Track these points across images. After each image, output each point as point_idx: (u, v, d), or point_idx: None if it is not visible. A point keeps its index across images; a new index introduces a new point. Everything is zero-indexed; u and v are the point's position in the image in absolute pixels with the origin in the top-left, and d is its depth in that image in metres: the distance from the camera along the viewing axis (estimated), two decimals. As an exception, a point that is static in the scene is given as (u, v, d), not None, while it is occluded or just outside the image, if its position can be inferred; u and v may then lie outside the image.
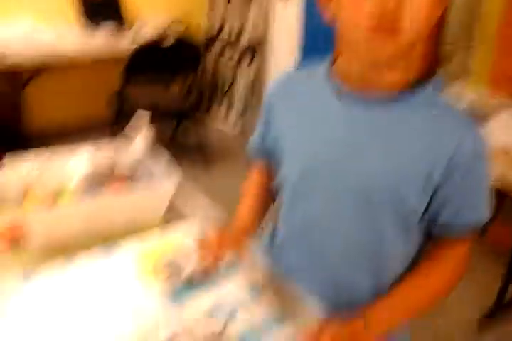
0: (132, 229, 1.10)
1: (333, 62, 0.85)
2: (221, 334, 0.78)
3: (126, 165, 1.19)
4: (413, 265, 0.90)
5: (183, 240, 1.02)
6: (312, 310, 0.86)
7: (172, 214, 1.16)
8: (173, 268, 0.91)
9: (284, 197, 0.94)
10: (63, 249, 1.04)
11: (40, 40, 2.84)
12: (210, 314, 0.83)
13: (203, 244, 0.91)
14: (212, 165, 3.12)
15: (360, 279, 0.89)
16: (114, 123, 2.87)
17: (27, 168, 1.12)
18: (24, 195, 1.12)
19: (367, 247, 0.86)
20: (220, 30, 3.61)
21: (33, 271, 0.93)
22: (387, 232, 0.84)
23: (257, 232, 1.01)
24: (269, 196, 1.05)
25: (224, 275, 0.93)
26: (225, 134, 3.63)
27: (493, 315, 1.98)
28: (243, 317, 0.82)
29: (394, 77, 0.78)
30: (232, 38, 3.51)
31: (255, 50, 3.37)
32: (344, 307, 0.85)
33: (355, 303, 0.85)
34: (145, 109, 2.73)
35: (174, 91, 3.35)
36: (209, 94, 3.83)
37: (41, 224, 1.04)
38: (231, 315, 0.82)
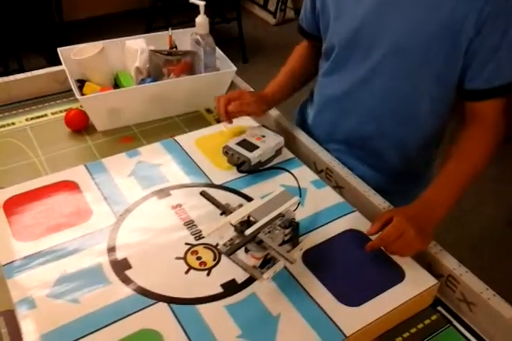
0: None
1: None
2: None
3: (184, 53, 1.20)
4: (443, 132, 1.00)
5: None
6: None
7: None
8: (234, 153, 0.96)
9: (327, 65, 1.01)
10: (128, 133, 1.11)
11: None
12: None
13: (220, 97, 0.99)
14: (251, 58, 3.06)
15: (386, 147, 0.99)
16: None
17: (84, 57, 1.15)
18: (82, 83, 1.16)
19: (400, 104, 0.94)
20: None
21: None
22: (421, 88, 0.90)
23: (279, 102, 1.10)
24: (305, 72, 1.11)
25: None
26: (264, 23, 3.51)
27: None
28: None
29: None
30: None
31: None
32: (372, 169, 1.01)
33: (381, 166, 0.99)
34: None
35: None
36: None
37: (104, 107, 1.09)
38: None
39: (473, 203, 2.08)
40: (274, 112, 1.14)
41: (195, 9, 1.16)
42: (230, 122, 1.01)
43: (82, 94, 1.12)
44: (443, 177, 0.86)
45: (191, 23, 1.18)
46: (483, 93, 0.87)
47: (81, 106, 1.13)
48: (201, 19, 1.16)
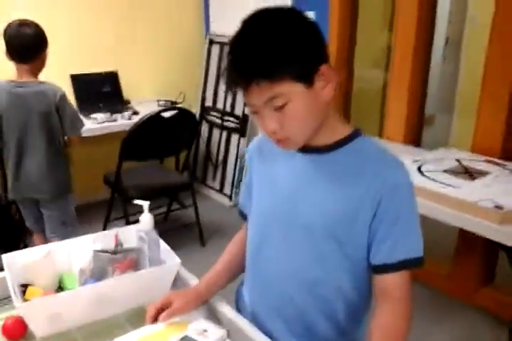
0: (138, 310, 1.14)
1: None
2: None
3: (129, 250, 1.25)
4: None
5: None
6: None
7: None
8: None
9: (248, 253, 1.10)
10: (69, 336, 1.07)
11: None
12: None
13: (150, 306, 1.08)
14: (209, 240, 3.15)
15: (314, 316, 1.02)
16: (111, 202, 2.95)
17: (29, 261, 1.17)
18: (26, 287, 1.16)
19: (316, 283, 0.99)
20: (215, 100, 3.79)
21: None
22: (333, 269, 0.98)
23: (213, 295, 1.16)
24: (242, 261, 1.16)
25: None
26: (221, 206, 3.70)
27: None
28: None
29: (323, 138, 0.96)
30: (227, 108, 3.68)
31: (247, 120, 3.52)
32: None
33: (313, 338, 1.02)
34: (141, 188, 2.89)
35: (169, 166, 3.44)
36: (204, 165, 3.95)
37: (43, 313, 1.07)
38: None
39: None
40: (215, 301, 1.15)
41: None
42: None
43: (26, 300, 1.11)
44: None
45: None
46: (384, 267, 0.95)
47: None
48: (145, 217, 1.24)
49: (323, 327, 1.03)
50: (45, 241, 2.46)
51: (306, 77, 0.87)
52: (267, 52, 0.84)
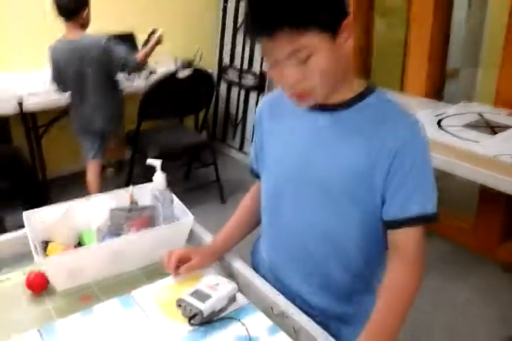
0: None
1: None
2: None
3: (143, 208, 1.27)
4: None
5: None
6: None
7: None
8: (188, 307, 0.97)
9: (264, 208, 1.11)
10: (87, 291, 1.12)
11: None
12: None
13: (170, 255, 1.10)
14: (229, 198, 3.19)
15: (332, 267, 1.03)
16: (131, 163, 3.00)
17: (49, 218, 1.21)
18: (47, 243, 1.21)
19: (333, 236, 1.00)
20: (232, 59, 3.75)
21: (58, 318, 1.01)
22: (349, 222, 0.98)
23: (228, 250, 1.19)
24: (256, 214, 1.18)
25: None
26: (241, 164, 3.72)
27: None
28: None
29: (339, 94, 0.95)
30: (245, 66, 3.63)
31: (265, 77, 3.48)
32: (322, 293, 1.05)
33: (330, 288, 1.05)
34: (161, 148, 2.91)
35: (189, 126, 3.46)
36: (223, 124, 3.95)
37: (63, 268, 1.11)
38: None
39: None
40: (229, 256, 1.18)
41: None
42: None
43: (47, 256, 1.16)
44: (375, 323, 0.91)
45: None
46: (396, 222, 0.94)
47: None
48: (158, 176, 1.26)
49: (340, 276, 1.05)
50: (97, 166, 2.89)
51: (333, 28, 0.85)
52: None
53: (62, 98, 2.81)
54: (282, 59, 0.85)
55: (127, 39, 3.44)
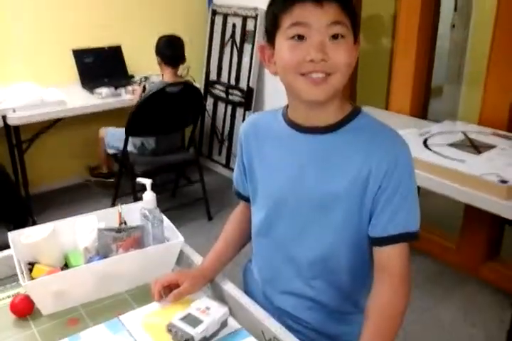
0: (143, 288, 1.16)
1: (287, 106, 1.04)
2: None
3: (132, 228, 1.25)
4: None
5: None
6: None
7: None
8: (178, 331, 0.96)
9: (256, 231, 1.10)
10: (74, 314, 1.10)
11: (47, 98, 2.93)
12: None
13: (156, 282, 1.09)
14: (216, 214, 3.18)
15: (324, 288, 1.04)
16: (118, 178, 2.97)
17: (35, 239, 1.19)
18: (33, 265, 1.18)
19: (326, 256, 1.01)
20: (219, 74, 3.75)
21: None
22: (342, 243, 0.99)
23: (218, 273, 1.18)
24: (243, 236, 1.20)
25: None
26: (227, 179, 3.70)
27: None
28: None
29: (328, 116, 0.96)
30: (232, 81, 3.64)
31: (252, 94, 3.49)
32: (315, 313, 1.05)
33: (323, 308, 1.05)
34: (148, 166, 2.89)
35: (176, 141, 3.43)
36: (209, 139, 3.94)
37: (49, 291, 1.08)
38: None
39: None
40: (219, 278, 1.17)
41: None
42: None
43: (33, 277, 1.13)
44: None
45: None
46: (382, 239, 0.95)
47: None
48: (148, 195, 1.24)
49: (331, 295, 1.05)
50: None
51: (355, 33, 0.92)
52: None
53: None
54: (316, 29, 0.87)
55: (115, 53, 3.45)
